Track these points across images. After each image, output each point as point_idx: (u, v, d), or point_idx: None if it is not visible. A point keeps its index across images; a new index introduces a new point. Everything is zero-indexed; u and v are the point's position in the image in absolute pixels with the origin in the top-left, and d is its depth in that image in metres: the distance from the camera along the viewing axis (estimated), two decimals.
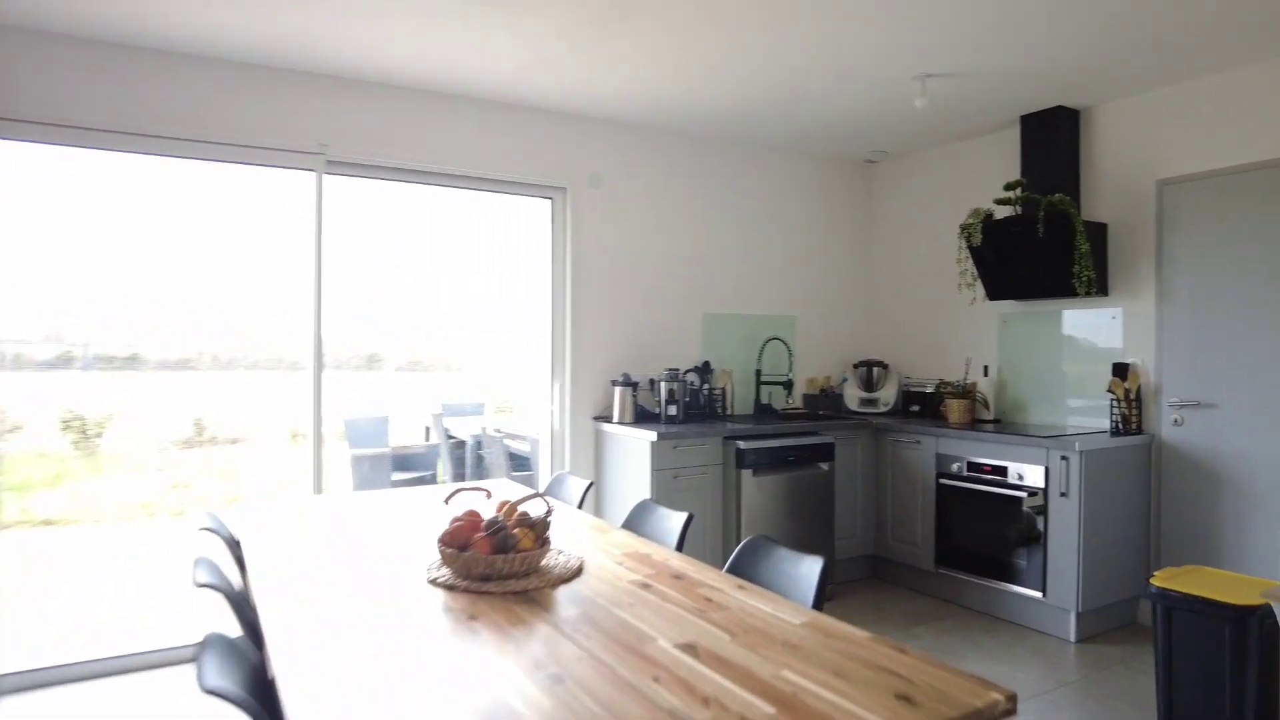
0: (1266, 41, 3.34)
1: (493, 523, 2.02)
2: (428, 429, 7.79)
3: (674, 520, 2.50)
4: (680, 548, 2.41)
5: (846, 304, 5.42)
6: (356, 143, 3.83)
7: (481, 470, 6.45)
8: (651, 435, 3.90)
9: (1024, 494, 3.84)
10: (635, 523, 2.65)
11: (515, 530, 2.01)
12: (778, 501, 4.15)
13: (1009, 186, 4.15)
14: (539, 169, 4.28)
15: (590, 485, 3.05)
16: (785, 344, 4.94)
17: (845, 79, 3.80)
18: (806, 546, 4.23)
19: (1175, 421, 3.83)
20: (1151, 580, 2.82)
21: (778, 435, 4.22)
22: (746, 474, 4.05)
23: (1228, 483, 3.66)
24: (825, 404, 5.10)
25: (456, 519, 2.10)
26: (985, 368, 4.64)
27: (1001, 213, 4.31)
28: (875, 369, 5.14)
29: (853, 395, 5.13)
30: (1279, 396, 3.49)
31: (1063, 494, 3.68)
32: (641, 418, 4.40)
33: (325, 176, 3.81)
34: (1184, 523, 3.81)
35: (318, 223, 3.79)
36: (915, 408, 4.95)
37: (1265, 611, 2.57)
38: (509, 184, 4.26)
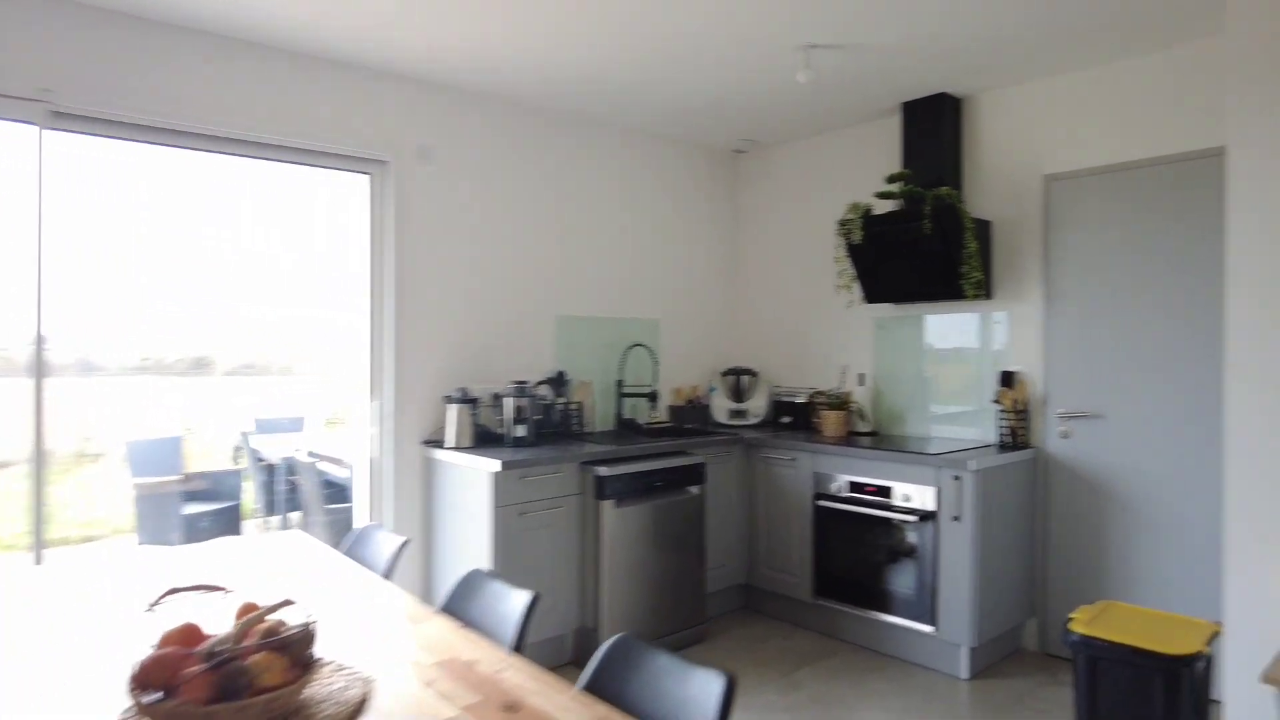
0: (1153, 34, 3.12)
1: (217, 649, 1.28)
2: (237, 450, 6.65)
3: (512, 602, 1.83)
4: (521, 645, 1.75)
5: (713, 307, 4.94)
6: (92, 90, 2.88)
7: (295, 502, 5.48)
8: (493, 464, 3.21)
9: (912, 517, 3.47)
10: (461, 603, 1.97)
11: (256, 657, 1.28)
12: (644, 533, 3.57)
13: (892, 178, 3.79)
14: (354, 138, 3.48)
15: (404, 544, 2.33)
16: (650, 351, 4.38)
17: (719, 47, 3.27)
18: (676, 581, 3.68)
19: (1063, 434, 3.59)
20: (1071, 626, 2.46)
21: (643, 457, 3.64)
22: (608, 505, 3.44)
23: (1115, 499, 3.44)
24: (692, 416, 4.59)
25: (166, 637, 1.34)
26: (861, 376, 4.28)
27: (882, 208, 3.95)
28: (744, 377, 4.68)
29: (721, 406, 4.65)
30: (1167, 406, 3.29)
31: (955, 518, 3.33)
32: (484, 441, 3.69)
33: (50, 132, 2.85)
34: (1072, 542, 3.57)
35: (38, 188, 2.82)
36: (787, 419, 4.53)
37: (1197, 659, 2.25)
38: (315, 154, 3.43)
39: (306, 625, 1.36)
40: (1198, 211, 3.21)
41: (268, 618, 1.36)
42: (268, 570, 2.18)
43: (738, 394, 4.67)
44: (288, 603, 1.35)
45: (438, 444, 3.63)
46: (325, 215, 3.92)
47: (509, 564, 3.25)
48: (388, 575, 2.25)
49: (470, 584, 1.97)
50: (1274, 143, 2.31)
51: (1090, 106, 3.50)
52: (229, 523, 5.41)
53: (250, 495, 6.28)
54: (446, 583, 3.54)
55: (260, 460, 5.99)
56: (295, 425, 7.03)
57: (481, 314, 3.88)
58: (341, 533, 4.71)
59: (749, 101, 3.99)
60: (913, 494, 3.47)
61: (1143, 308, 3.36)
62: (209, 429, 8.19)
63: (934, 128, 3.84)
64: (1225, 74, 2.44)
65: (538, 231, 4.10)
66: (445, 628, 1.76)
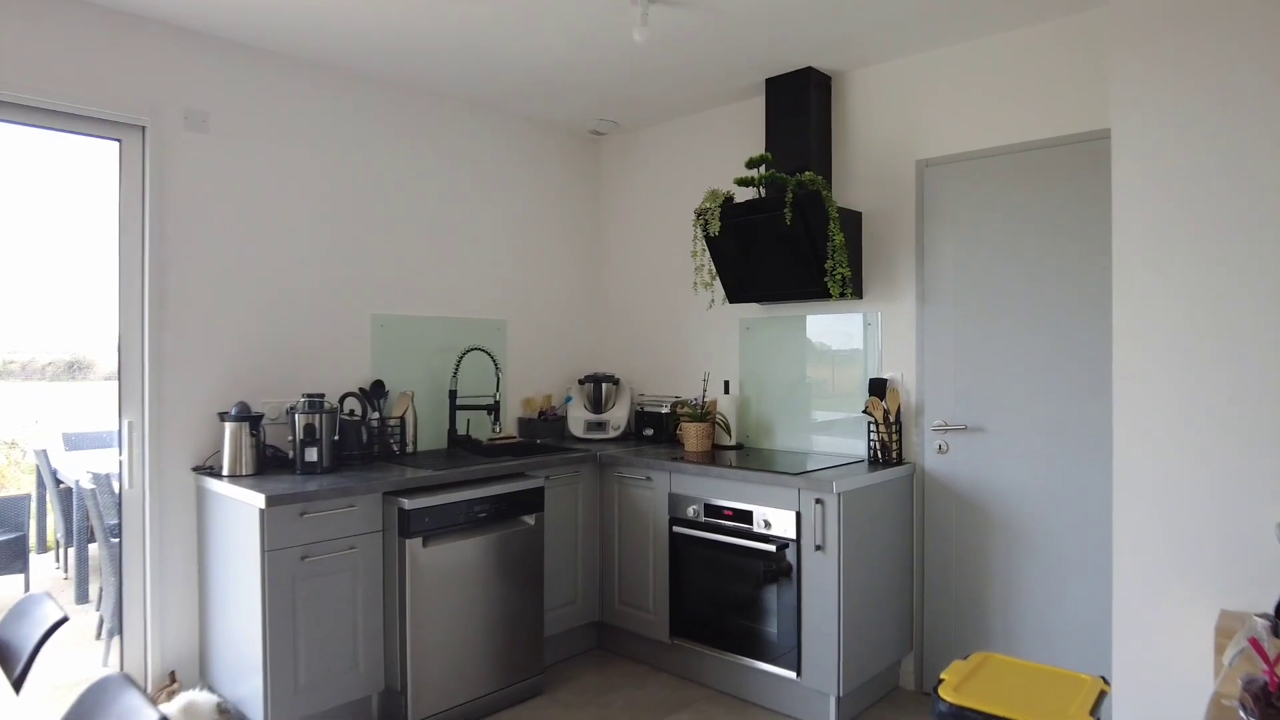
0: (1025, 4, 2.77)
1: None
2: (38, 469, 5.75)
3: None
4: None
5: (570, 307, 4.41)
6: None
7: (91, 531, 4.67)
8: (258, 499, 2.59)
9: (771, 546, 3.03)
10: None
11: None
12: (463, 574, 3.01)
13: (752, 163, 3.35)
14: (100, 95, 2.80)
15: (60, 623, 1.71)
16: (491, 356, 3.82)
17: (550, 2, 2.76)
18: (508, 628, 3.14)
19: (939, 448, 3.22)
20: (940, 692, 2.03)
21: (465, 484, 3.09)
22: (414, 544, 2.87)
23: (996, 519, 3.08)
24: (545, 430, 4.06)
25: None
26: (726, 383, 3.84)
27: (744, 195, 3.51)
28: (605, 385, 4.18)
29: (578, 418, 4.13)
30: (1050, 419, 2.95)
31: (818, 547, 2.90)
32: (272, 467, 3.07)
33: None
34: (949, 567, 3.21)
35: None
36: (649, 431, 4.06)
37: None
38: (46, 113, 2.73)
39: None
40: (1082, 200, 2.88)
41: None
42: None
43: (597, 404, 4.16)
44: None
45: (212, 471, 2.98)
46: (63, 190, 3.22)
47: (288, 619, 2.65)
48: (22, 675, 1.63)
49: (98, 698, 1.38)
50: (1159, 121, 1.95)
51: (964, 86, 3.14)
52: (12, 559, 4.58)
53: (51, 525, 5.42)
54: (222, 651, 2.90)
55: (60, 483, 5.14)
56: (113, 439, 6.16)
57: (273, 313, 3.25)
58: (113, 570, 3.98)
59: (597, 72, 3.49)
60: (773, 519, 3.03)
61: (1023, 308, 3.02)
62: (21, 446, 7.18)
63: (799, 106, 3.43)
64: (1108, 49, 2.08)
65: (350, 217, 3.49)
66: None
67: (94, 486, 4.00)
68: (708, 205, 3.40)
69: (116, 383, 2.97)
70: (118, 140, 2.92)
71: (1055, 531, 2.94)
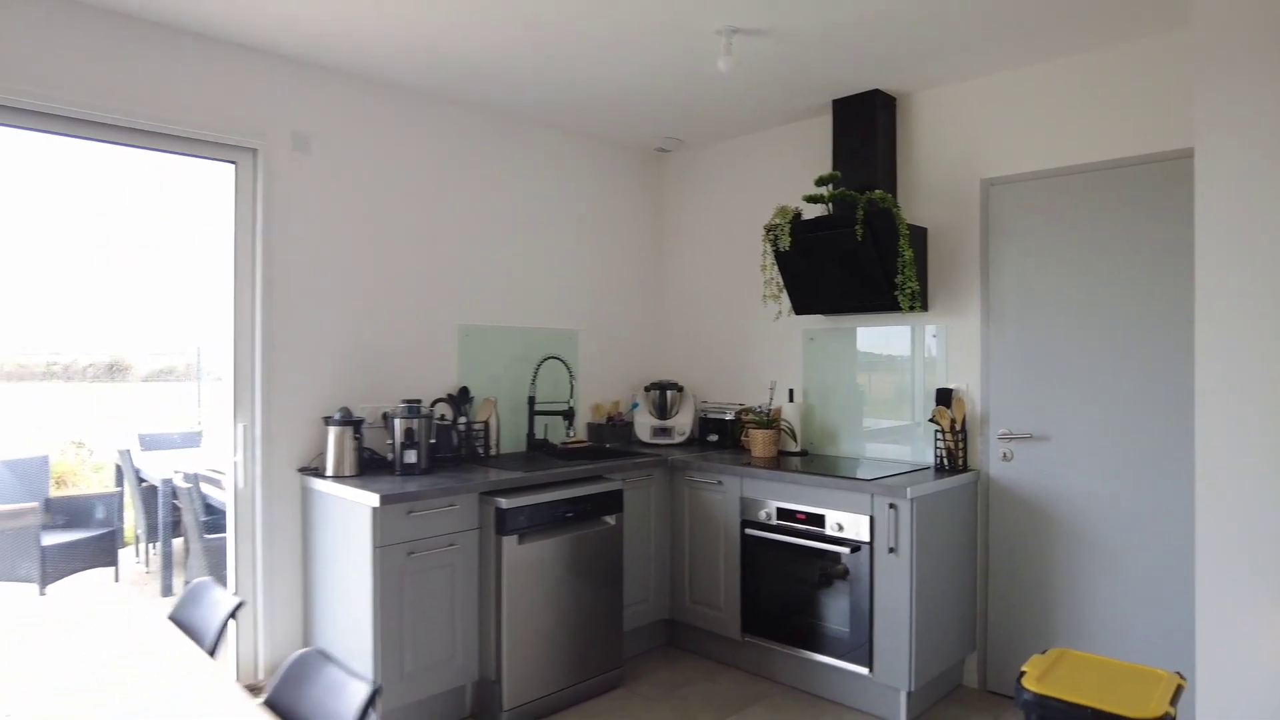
0: (1100, 29, 2.90)
1: None
2: (118, 469, 6.02)
3: (348, 699, 1.44)
4: None
5: (635, 317, 4.59)
6: None
7: (180, 528, 4.92)
8: (372, 498, 2.79)
9: (845, 548, 3.17)
10: (291, 693, 1.56)
11: None
12: (552, 571, 3.19)
13: (821, 180, 3.51)
14: (218, 121, 3.02)
15: (239, 606, 1.91)
16: (565, 365, 4.00)
17: (635, 31, 2.93)
18: (590, 623, 3.31)
19: (1004, 456, 3.35)
20: (1023, 683, 2.17)
21: (552, 485, 3.27)
22: (509, 541, 3.05)
23: (1061, 524, 3.21)
24: (613, 435, 4.23)
25: None
26: (790, 392, 3.99)
27: (812, 211, 3.66)
28: (669, 392, 4.35)
29: (644, 424, 4.31)
30: (1114, 428, 3.07)
31: (891, 549, 3.04)
32: (371, 468, 3.27)
33: None
34: (1014, 571, 3.34)
35: None
36: (714, 437, 4.22)
37: None
38: (171, 139, 2.96)
39: None
40: (1148, 219, 3.01)
41: None
42: (52, 655, 1.74)
43: (662, 411, 4.33)
44: None
45: (316, 472, 3.19)
46: (185, 210, 3.45)
47: (395, 611, 2.84)
48: (214, 649, 1.82)
49: (304, 669, 1.57)
50: (1246, 142, 2.07)
51: (1032, 107, 3.28)
52: (102, 554, 4.83)
53: (135, 522, 5.68)
54: (327, 638, 3.10)
55: (143, 481, 5.41)
56: (191, 440, 6.43)
57: (370, 324, 3.45)
58: (220, 569, 4.21)
59: (671, 95, 3.66)
60: (846, 523, 3.18)
61: (1088, 322, 3.14)
62: (88, 446, 7.49)
63: (866, 127, 3.57)
64: (1192, 69, 2.20)
65: (436, 232, 3.68)
66: None
67: (189, 485, 4.24)
68: (778, 221, 3.56)
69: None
70: (233, 162, 3.14)
71: (1119, 537, 3.06)
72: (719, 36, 2.97)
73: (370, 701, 1.42)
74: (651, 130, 4.21)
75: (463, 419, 3.59)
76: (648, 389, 4.39)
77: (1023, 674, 2.23)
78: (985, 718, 3.15)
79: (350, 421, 3.17)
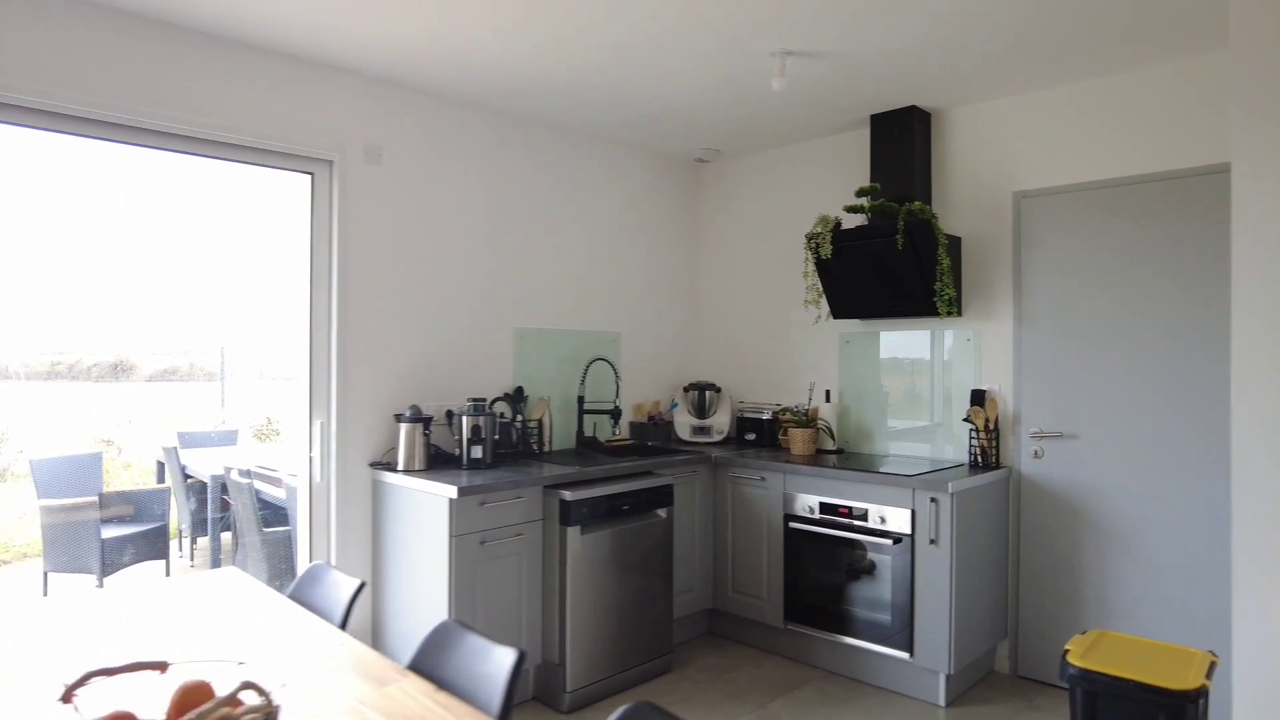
0: (1126, 53, 3.10)
1: None
2: (161, 465, 6.19)
3: (495, 662, 1.63)
4: (507, 711, 1.55)
5: (674, 320, 4.79)
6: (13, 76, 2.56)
7: (229, 523, 5.10)
8: (449, 490, 2.97)
9: (887, 540, 3.36)
10: (432, 660, 1.74)
11: None
12: (610, 560, 3.37)
13: (861, 192, 3.70)
14: (298, 134, 3.20)
15: (361, 587, 2.09)
16: (612, 366, 4.19)
17: (691, 52, 3.12)
18: (643, 610, 3.50)
19: (1035, 454, 3.54)
20: (1068, 659, 2.37)
21: (608, 479, 3.45)
22: (573, 532, 3.24)
23: (1089, 519, 3.40)
24: (654, 434, 4.42)
25: None
26: (827, 392, 4.18)
27: (850, 221, 3.86)
28: (708, 392, 4.54)
29: (684, 423, 4.50)
30: (1140, 426, 3.27)
31: (932, 541, 3.24)
32: (438, 462, 3.45)
33: None
34: (1043, 562, 3.53)
35: None
36: (751, 436, 4.41)
37: (1201, 694, 2.18)
38: (253, 151, 3.14)
39: (268, 710, 1.14)
40: (1177, 230, 3.20)
41: (230, 696, 1.13)
42: (205, 625, 1.92)
43: (700, 410, 4.52)
44: (246, 686, 1.13)
45: (388, 466, 3.37)
46: (260, 217, 3.62)
47: (468, 598, 3.02)
48: (343, 625, 2.01)
49: (443, 638, 1.75)
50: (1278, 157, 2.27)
51: (1062, 124, 3.47)
52: (154, 547, 5.01)
53: (178, 517, 5.84)
54: (396, 621, 3.28)
55: (189, 478, 5.58)
56: (227, 439, 6.61)
57: (434, 326, 3.64)
58: (278, 560, 4.39)
59: (717, 110, 3.85)
60: (888, 516, 3.36)
61: (1115, 327, 3.34)
62: (129, 443, 7.66)
63: (903, 141, 3.77)
64: (1228, 89, 2.39)
65: (494, 239, 3.87)
66: (417, 691, 1.54)
67: (246, 481, 4.42)
68: (819, 230, 3.75)
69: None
70: (310, 174, 3.32)
71: (1146, 529, 3.25)
72: (774, 59, 3.16)
73: (518, 665, 1.60)
74: (692, 142, 4.40)
75: (519, 417, 3.77)
76: (686, 389, 4.58)
77: (1066, 651, 2.42)
78: (1019, 702, 3.34)
79: (420, 419, 3.35)
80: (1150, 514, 3.24)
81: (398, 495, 3.28)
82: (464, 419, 3.42)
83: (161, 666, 1.27)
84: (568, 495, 3.22)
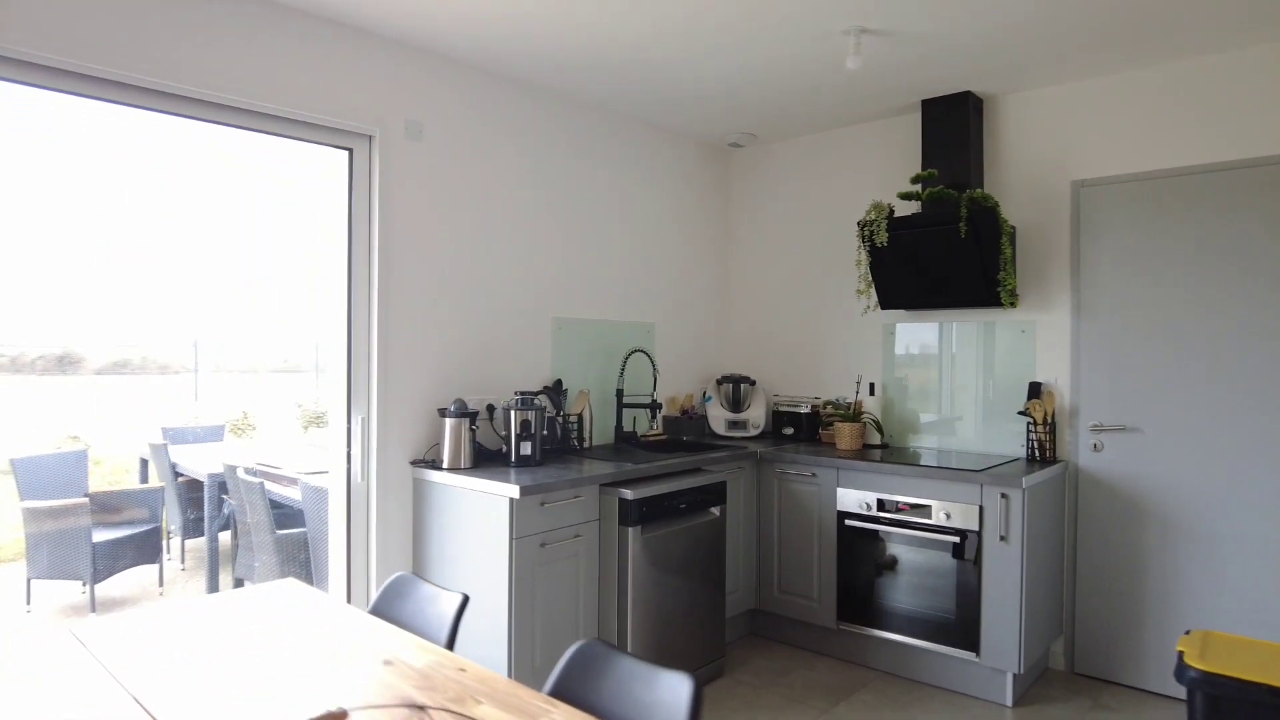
0: (1189, 38, 3.03)
1: None
2: (145, 463, 5.83)
3: (668, 689, 1.46)
4: None
5: (706, 310, 4.63)
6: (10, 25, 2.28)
7: (234, 526, 4.79)
8: (509, 490, 2.78)
9: (954, 537, 3.27)
10: (584, 683, 1.57)
11: None
12: (667, 563, 3.22)
13: (918, 179, 3.59)
14: (335, 106, 2.96)
15: (465, 602, 1.89)
16: (650, 358, 4.02)
17: (760, 27, 2.96)
18: (696, 613, 3.35)
19: (1094, 447, 3.48)
20: (1187, 661, 2.28)
21: (663, 476, 3.29)
22: (633, 532, 3.07)
23: (1151, 513, 3.35)
24: (689, 428, 4.27)
25: None
26: (871, 385, 4.08)
27: (902, 209, 3.75)
28: (742, 385, 4.40)
29: (718, 416, 4.35)
30: (1205, 419, 3.22)
31: (1002, 538, 3.15)
32: (482, 459, 3.25)
33: None
34: (1101, 557, 3.47)
35: None
36: (789, 430, 4.28)
37: None
38: (288, 122, 2.89)
39: None
40: (1243, 222, 3.15)
41: None
42: (309, 654, 1.71)
43: (735, 404, 4.38)
44: None
45: (431, 464, 3.16)
46: (287, 195, 3.37)
47: (529, 603, 2.84)
48: (450, 644, 1.81)
49: (590, 661, 1.57)
50: None
51: (1123, 112, 3.40)
52: (147, 550, 4.69)
53: (170, 518, 5.50)
54: None
55: (179, 476, 5.25)
56: (214, 434, 6.27)
57: (474, 315, 3.43)
58: (293, 564, 4.13)
59: (764, 90, 3.70)
60: (954, 512, 3.27)
61: (1178, 320, 3.28)
62: (110, 440, 7.25)
63: (957, 128, 3.67)
64: None
65: (532, 223, 3.67)
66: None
67: (255, 479, 4.15)
68: (872, 217, 3.63)
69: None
70: (348, 149, 3.08)
71: (1211, 523, 3.21)
72: (848, 36, 3.02)
73: (697, 696, 1.43)
74: (730, 125, 4.25)
75: (560, 411, 3.59)
76: (719, 382, 4.43)
77: (1181, 653, 2.33)
78: (1084, 700, 3.28)
79: (466, 413, 3.15)
80: (1218, 508, 3.20)
81: (445, 495, 3.07)
82: (512, 413, 3.22)
83: (341, 716, 1.08)
84: (628, 494, 3.05)
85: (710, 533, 3.44)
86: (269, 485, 4.27)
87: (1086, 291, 3.51)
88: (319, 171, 3.15)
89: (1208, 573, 3.22)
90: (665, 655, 3.18)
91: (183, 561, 5.45)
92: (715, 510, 3.46)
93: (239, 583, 4.63)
